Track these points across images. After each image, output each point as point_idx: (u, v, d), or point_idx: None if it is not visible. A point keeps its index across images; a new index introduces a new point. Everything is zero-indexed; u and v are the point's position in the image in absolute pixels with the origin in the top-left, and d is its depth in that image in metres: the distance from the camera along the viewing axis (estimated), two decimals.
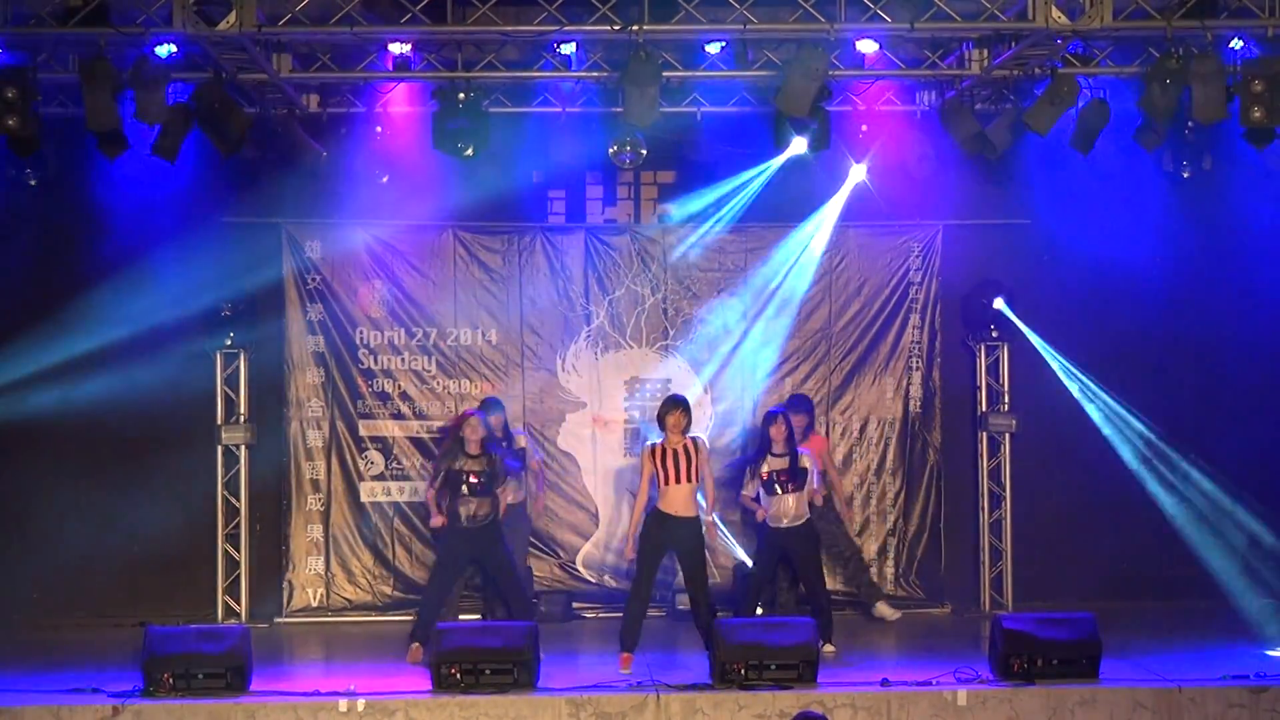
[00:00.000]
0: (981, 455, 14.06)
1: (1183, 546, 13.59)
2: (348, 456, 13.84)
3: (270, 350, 13.77)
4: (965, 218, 14.04)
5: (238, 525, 13.68)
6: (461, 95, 12.01)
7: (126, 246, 13.42)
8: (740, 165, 13.71)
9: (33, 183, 13.28)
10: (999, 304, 13.74)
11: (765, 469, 11.77)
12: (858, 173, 13.70)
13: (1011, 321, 13.82)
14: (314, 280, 13.83)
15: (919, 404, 14.03)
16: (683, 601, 12.88)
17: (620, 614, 11.39)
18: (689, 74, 12.47)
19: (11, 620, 13.27)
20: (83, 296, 13.37)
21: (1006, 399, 14.02)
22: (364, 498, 13.84)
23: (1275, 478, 13.71)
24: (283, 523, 13.77)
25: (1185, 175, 13.58)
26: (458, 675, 10.33)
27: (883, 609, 13.37)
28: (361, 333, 13.87)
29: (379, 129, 13.26)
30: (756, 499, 11.87)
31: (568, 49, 12.11)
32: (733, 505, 13.25)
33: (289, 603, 13.71)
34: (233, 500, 13.70)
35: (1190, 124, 12.45)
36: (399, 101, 13.01)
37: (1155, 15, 11.30)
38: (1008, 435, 13.98)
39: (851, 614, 13.40)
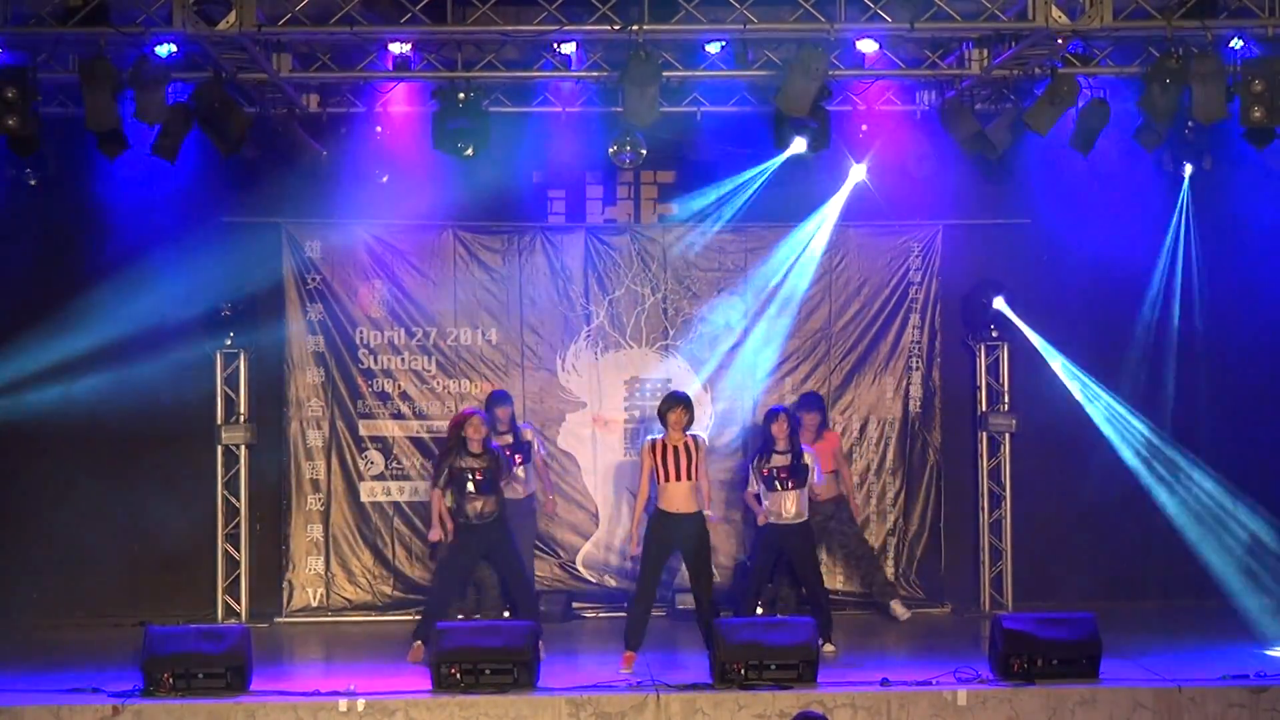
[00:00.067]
0: (981, 455, 14.05)
1: (1183, 546, 13.58)
2: (348, 456, 13.84)
3: (270, 350, 13.76)
4: (965, 217, 14.03)
5: (238, 525, 13.67)
6: (461, 95, 11.99)
7: (126, 246, 13.40)
8: (740, 165, 13.69)
9: (33, 183, 13.24)
10: (999, 303, 13.73)
11: (767, 466, 11.80)
12: (858, 172, 13.69)
13: (1011, 321, 13.80)
14: (314, 280, 13.82)
15: (919, 404, 14.02)
16: (683, 601, 12.88)
17: (620, 613, 11.40)
18: (689, 74, 12.45)
19: (11, 620, 13.27)
20: (83, 296, 13.34)
21: (1006, 399, 14.01)
22: (364, 497, 13.83)
23: (1276, 478, 13.70)
24: (283, 522, 13.76)
25: (1185, 175, 13.58)
26: (458, 675, 10.34)
27: (897, 608, 13.37)
28: (361, 332, 13.87)
29: (379, 129, 13.24)
30: (758, 497, 11.88)
31: (568, 49, 12.10)
32: (735, 505, 13.26)
33: (289, 602, 13.71)
34: (233, 500, 13.70)
35: (1190, 124, 12.43)
36: (399, 101, 12.99)
37: (1155, 15, 11.29)
38: (1008, 435, 13.97)
39: (861, 614, 13.42)
